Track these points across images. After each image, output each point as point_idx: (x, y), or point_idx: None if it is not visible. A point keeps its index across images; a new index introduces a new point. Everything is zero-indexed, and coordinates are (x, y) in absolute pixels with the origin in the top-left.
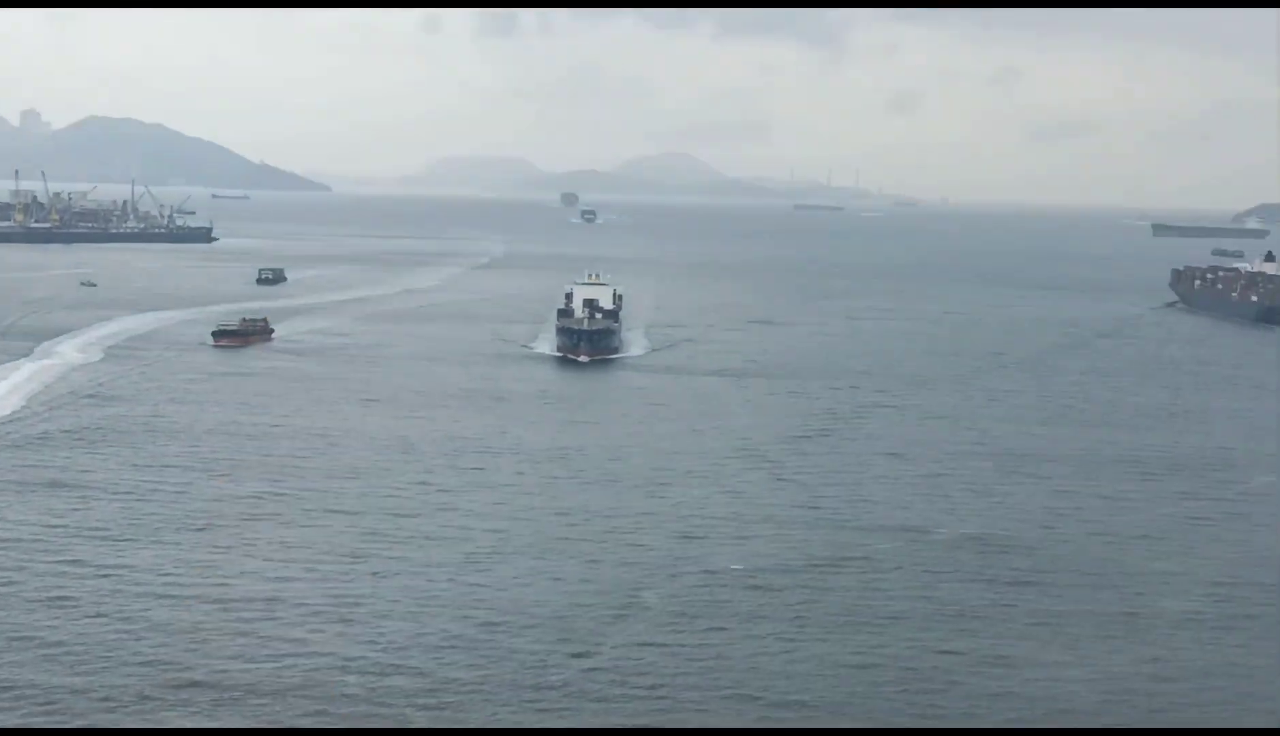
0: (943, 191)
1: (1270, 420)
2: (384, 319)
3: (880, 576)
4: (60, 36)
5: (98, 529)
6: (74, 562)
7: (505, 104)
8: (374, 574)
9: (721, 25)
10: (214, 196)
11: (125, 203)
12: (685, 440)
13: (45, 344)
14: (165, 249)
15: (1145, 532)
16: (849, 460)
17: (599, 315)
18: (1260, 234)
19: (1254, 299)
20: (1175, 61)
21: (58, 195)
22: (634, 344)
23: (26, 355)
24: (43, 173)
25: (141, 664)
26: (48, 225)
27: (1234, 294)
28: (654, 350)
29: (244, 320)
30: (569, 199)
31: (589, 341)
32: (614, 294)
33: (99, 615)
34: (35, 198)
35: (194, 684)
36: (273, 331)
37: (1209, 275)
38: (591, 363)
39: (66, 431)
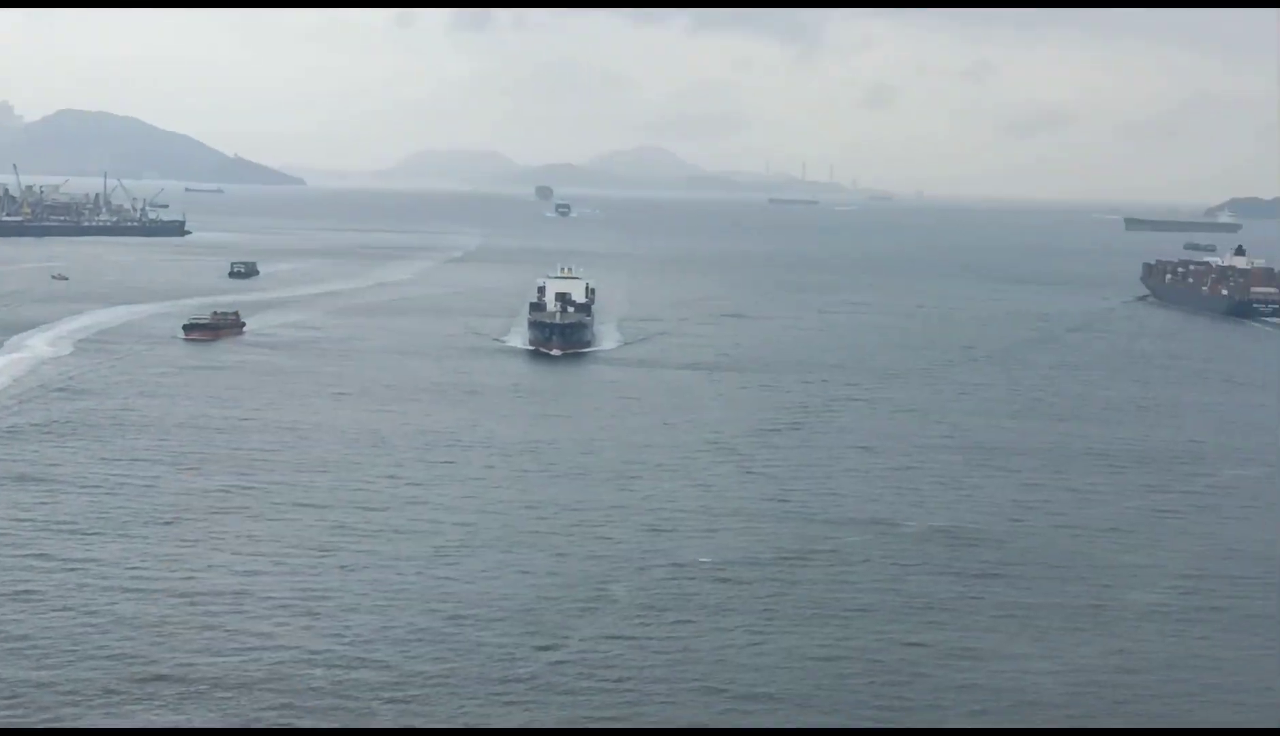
0: (917, 185)
1: (1239, 413)
2: (356, 313)
3: (848, 569)
4: (33, 29)
5: (65, 523)
6: (40, 557)
7: (480, 98)
8: (342, 567)
9: (696, 19)
10: (187, 190)
11: (98, 196)
12: (656, 433)
13: (15, 337)
14: (138, 242)
15: (1113, 525)
16: (819, 453)
17: (571, 309)
18: (1232, 228)
19: (1224, 293)
20: (1149, 56)
21: (29, 188)
22: (606, 337)
23: None
24: (14, 166)
25: (107, 657)
26: (19, 219)
27: (1205, 288)
28: (626, 344)
29: (215, 314)
30: (544, 193)
31: (561, 335)
32: (586, 288)
33: (65, 609)
34: (7, 191)
35: (159, 677)
36: (244, 325)
37: (1180, 269)
38: (564, 356)
39: (35, 425)
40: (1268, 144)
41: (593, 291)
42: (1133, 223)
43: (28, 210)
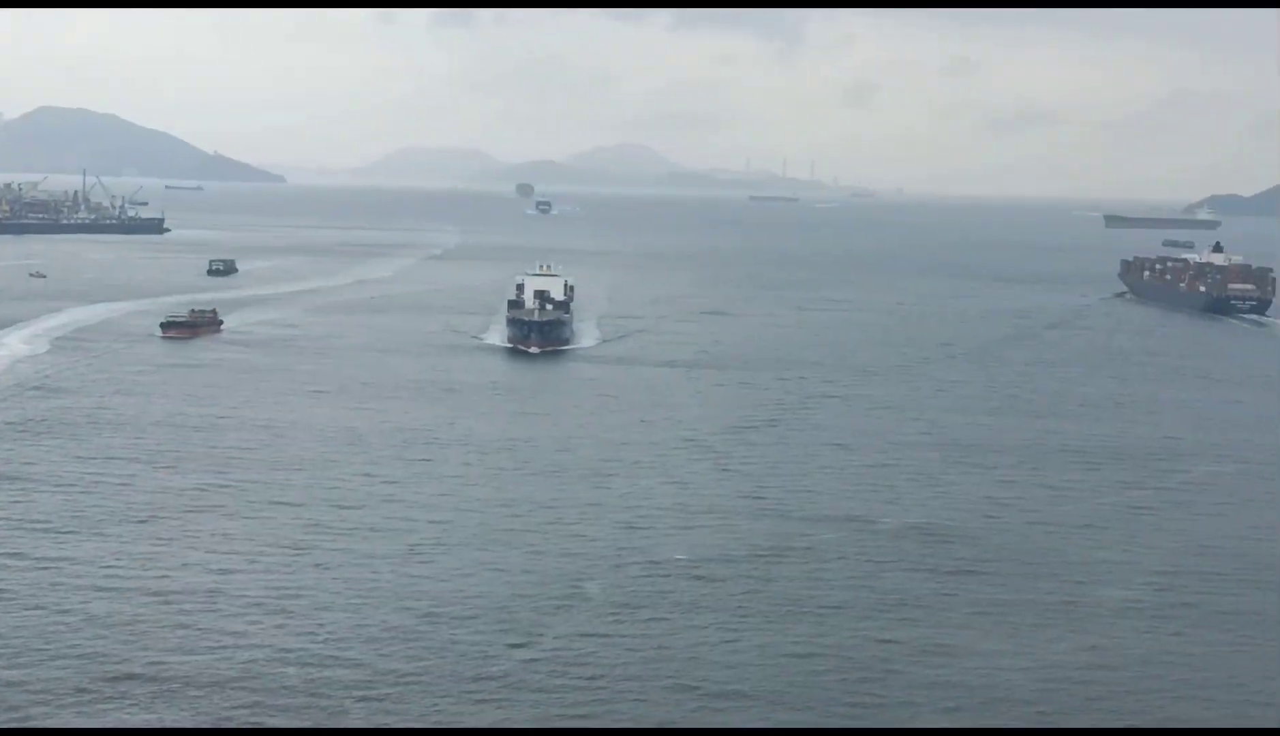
0: (898, 182)
1: (1215, 410)
2: (335, 310)
3: (823, 566)
4: (11, 26)
5: (39, 521)
6: (14, 555)
7: (462, 95)
8: (316, 565)
9: (678, 16)
10: (167, 188)
11: (76, 193)
12: (633, 431)
13: None
14: (116, 240)
15: (1088, 522)
16: (796, 450)
17: (550, 306)
18: (1211, 225)
19: (1202, 289)
20: (1129, 53)
21: (8, 186)
22: (585, 335)
23: None
24: None
25: (78, 656)
26: None
27: (1182, 284)
28: (605, 341)
29: (193, 311)
30: (525, 190)
31: (539, 332)
32: (565, 285)
33: (37, 608)
34: None
35: (131, 676)
36: (222, 323)
37: (1158, 266)
38: (542, 353)
39: (10, 423)
40: (1247, 141)
41: (571, 289)
42: (1113, 219)
43: (5, 208)
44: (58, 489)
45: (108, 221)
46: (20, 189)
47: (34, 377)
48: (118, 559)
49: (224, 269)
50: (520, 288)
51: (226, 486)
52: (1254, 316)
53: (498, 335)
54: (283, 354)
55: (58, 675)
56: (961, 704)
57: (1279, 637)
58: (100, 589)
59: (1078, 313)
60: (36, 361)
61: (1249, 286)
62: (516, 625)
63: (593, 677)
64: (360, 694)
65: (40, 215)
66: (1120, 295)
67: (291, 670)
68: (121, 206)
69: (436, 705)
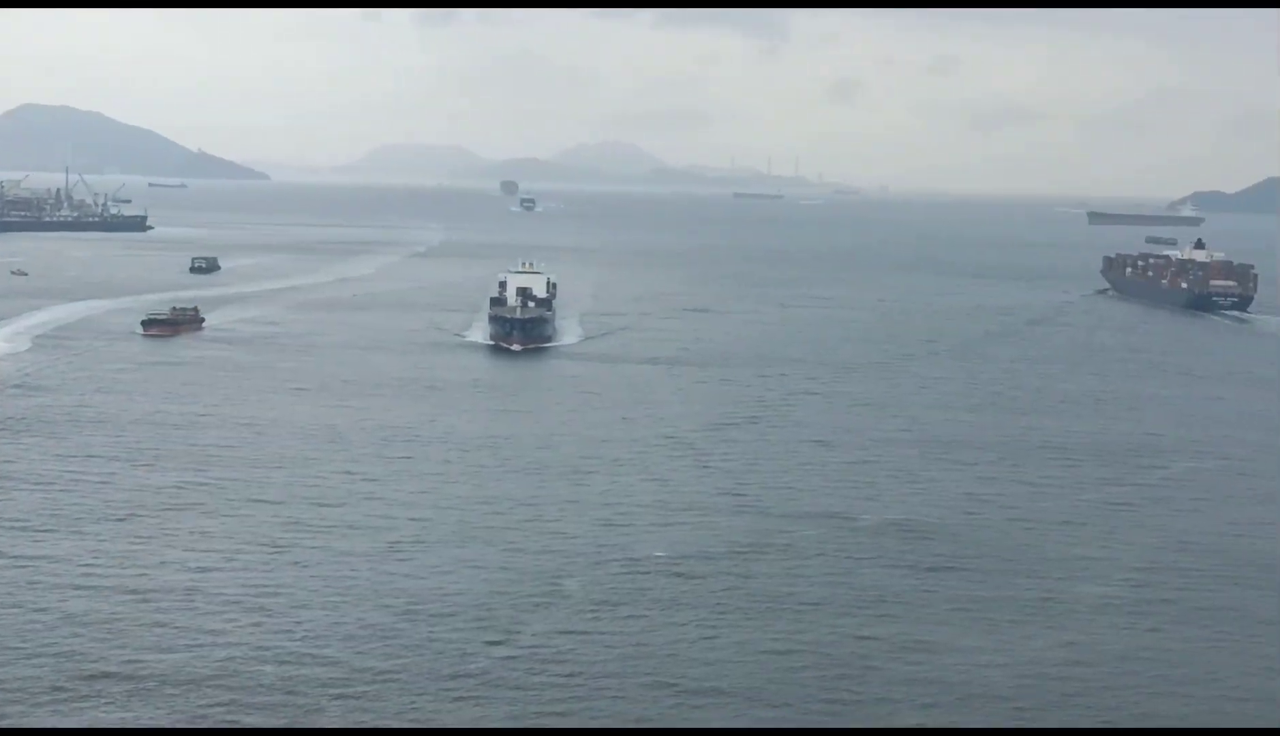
0: (882, 179)
1: (1196, 406)
2: (317, 308)
3: (802, 563)
4: None
5: (17, 519)
6: None
7: (446, 92)
8: (295, 563)
9: (662, 13)
10: (151, 185)
11: (59, 191)
12: (614, 428)
13: None
14: (99, 238)
15: (1067, 518)
16: (776, 448)
17: (532, 303)
18: (1194, 221)
19: (1184, 286)
20: (1112, 50)
21: None
22: (568, 332)
23: None
24: None
25: (54, 655)
26: None
27: (1164, 281)
28: (588, 338)
29: (174, 309)
30: (509, 187)
31: (522, 330)
32: (548, 282)
33: (14, 606)
34: None
35: (107, 674)
36: (203, 320)
37: (1140, 262)
38: (524, 351)
39: None
40: (1231, 138)
41: (554, 286)
42: (1096, 216)
43: None
44: (36, 487)
45: (90, 219)
46: (2, 186)
47: (14, 375)
48: (95, 557)
49: (206, 266)
50: (503, 285)
51: (206, 484)
52: (1235, 313)
53: (480, 333)
54: (264, 352)
55: (34, 674)
56: (939, 700)
57: (1256, 633)
58: (77, 587)
59: (1060, 309)
60: (17, 359)
61: (1231, 283)
62: (495, 623)
63: (571, 675)
64: (337, 691)
65: (22, 213)
66: (1102, 292)
67: (268, 668)
68: (104, 204)
69: (414, 703)
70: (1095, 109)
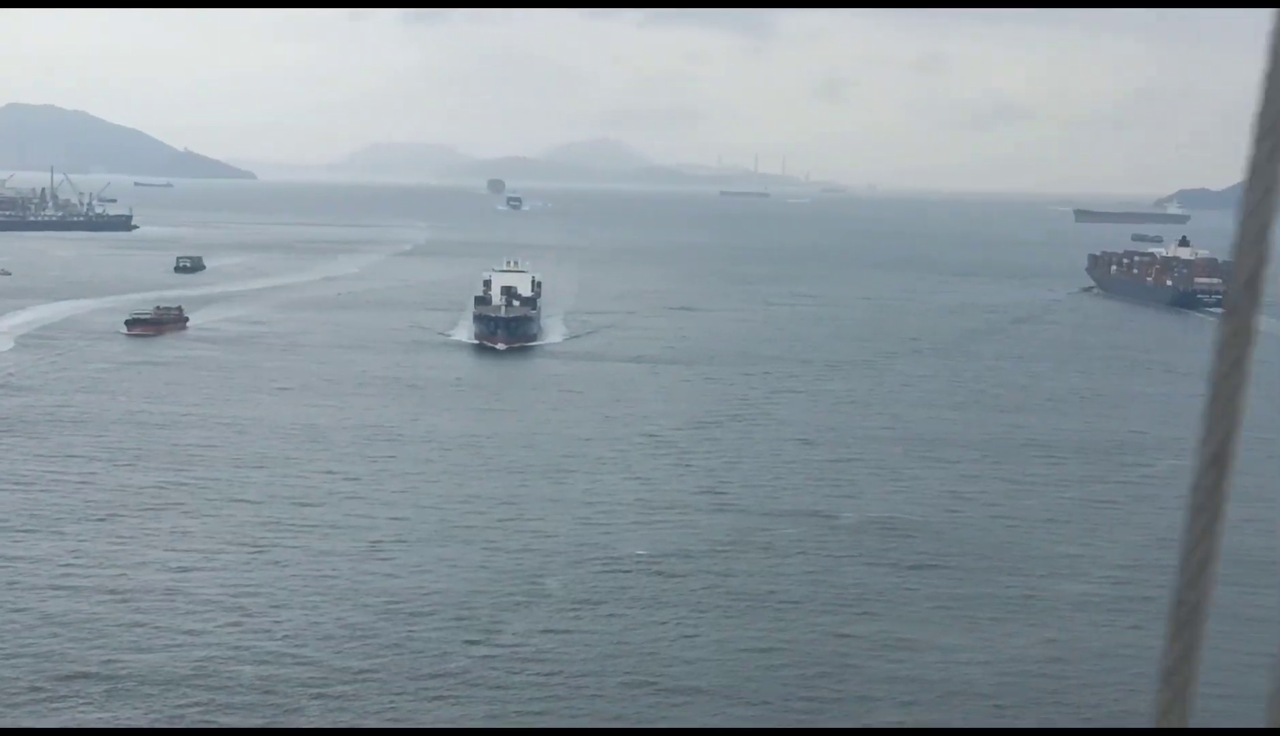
0: (870, 178)
1: (1180, 404)
2: (302, 307)
3: (783, 561)
4: None
5: None
6: None
7: (434, 91)
8: (274, 563)
9: (649, 13)
10: (136, 184)
11: (44, 191)
12: (597, 427)
13: None
14: (83, 237)
15: (1050, 516)
16: (758, 446)
17: (517, 302)
18: (1181, 219)
19: (1169, 283)
20: (1098, 49)
21: None
22: (552, 331)
23: None
24: None
25: (32, 655)
26: None
27: (1149, 278)
28: (572, 337)
29: (158, 309)
30: (496, 186)
31: (506, 328)
32: (532, 281)
33: None
34: None
35: (85, 675)
36: (187, 320)
37: (1125, 260)
38: (509, 350)
39: None
40: (1217, 136)
41: (539, 285)
42: (1082, 214)
43: None
44: (16, 487)
45: (75, 219)
46: None
47: None
48: (75, 557)
49: (191, 266)
50: (487, 284)
51: (186, 484)
52: (1220, 310)
53: (464, 331)
54: (248, 351)
55: (10, 674)
56: (919, 698)
57: (1237, 631)
58: (56, 587)
59: (1045, 307)
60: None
61: (1215, 280)
62: (475, 622)
63: (550, 674)
64: (315, 691)
65: (7, 213)
66: (1088, 290)
67: (247, 668)
68: (89, 203)
69: (392, 702)
70: (1083, 107)
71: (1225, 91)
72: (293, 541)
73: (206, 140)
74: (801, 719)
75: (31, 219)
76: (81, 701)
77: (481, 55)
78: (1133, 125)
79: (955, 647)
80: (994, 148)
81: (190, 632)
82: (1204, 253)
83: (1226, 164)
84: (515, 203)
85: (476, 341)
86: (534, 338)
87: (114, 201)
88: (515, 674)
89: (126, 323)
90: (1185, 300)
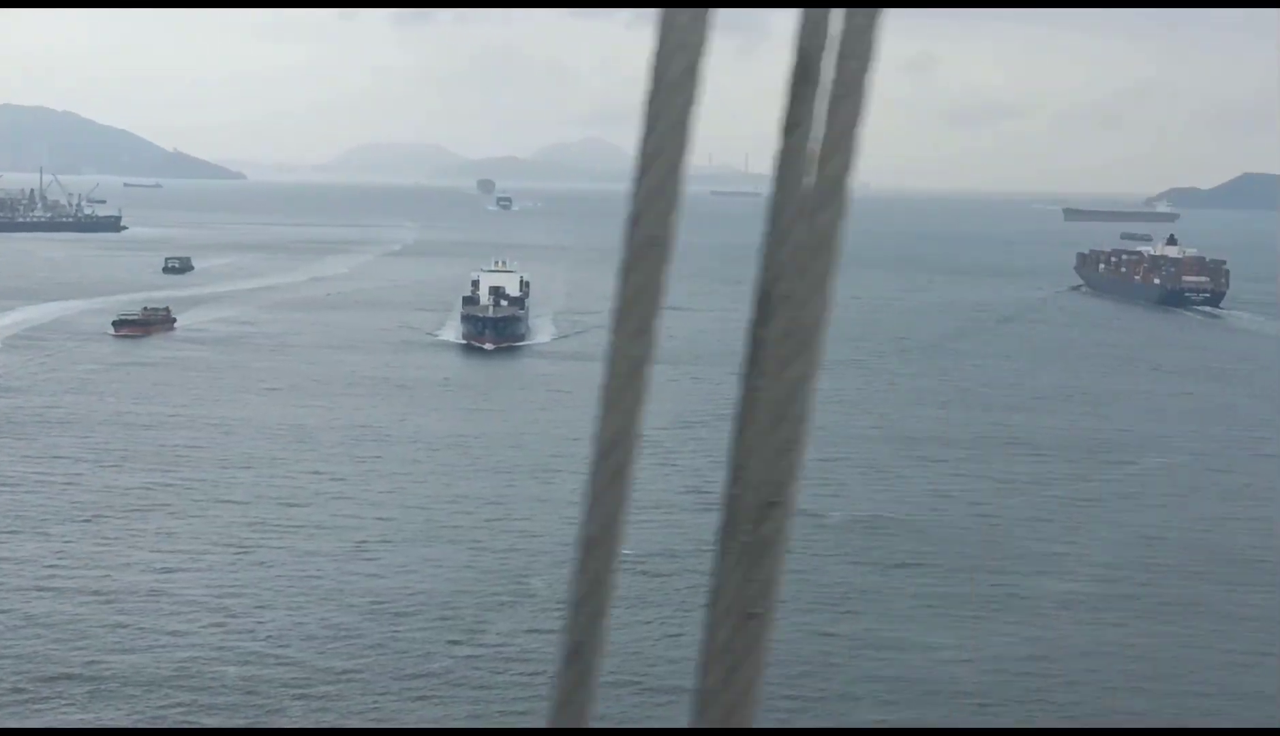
0: (862, 177)
1: (1166, 402)
2: (290, 307)
3: None
4: None
5: None
6: None
7: (424, 91)
8: (260, 564)
9: (637, 13)
10: (126, 185)
11: (33, 192)
12: (584, 426)
13: None
14: (72, 238)
15: (1034, 515)
16: None
17: (505, 302)
18: (1170, 217)
19: (1156, 282)
20: (1087, 47)
21: None
22: (541, 331)
23: None
24: None
25: (15, 656)
26: None
27: (1137, 277)
28: (561, 337)
29: (145, 309)
30: (486, 186)
31: (494, 328)
32: (520, 281)
33: None
34: None
35: (68, 676)
36: (175, 321)
37: (1113, 258)
38: (496, 350)
39: None
40: (1206, 135)
41: (527, 285)
42: (1071, 213)
43: None
44: (2, 488)
45: (64, 220)
46: None
47: None
48: (60, 558)
49: (180, 266)
50: (475, 284)
51: (173, 485)
52: (1208, 308)
53: (452, 332)
54: (236, 352)
55: None
56: (902, 696)
57: (1221, 629)
58: (41, 589)
59: (1033, 306)
60: None
61: (1203, 279)
62: (459, 622)
63: (534, 673)
64: (298, 691)
65: None
66: (1076, 288)
67: (230, 669)
68: (78, 204)
69: (375, 703)
70: (1071, 106)
71: (1215, 90)
72: (278, 542)
73: (196, 141)
74: (784, 718)
75: (20, 220)
76: (64, 702)
77: (472, 55)
78: (1123, 123)
79: (938, 646)
80: (984, 146)
81: (174, 633)
82: (1192, 251)
83: (1216, 162)
84: (505, 203)
85: (464, 341)
86: (522, 337)
87: (103, 202)
88: (499, 673)
89: (114, 323)
90: (1173, 298)
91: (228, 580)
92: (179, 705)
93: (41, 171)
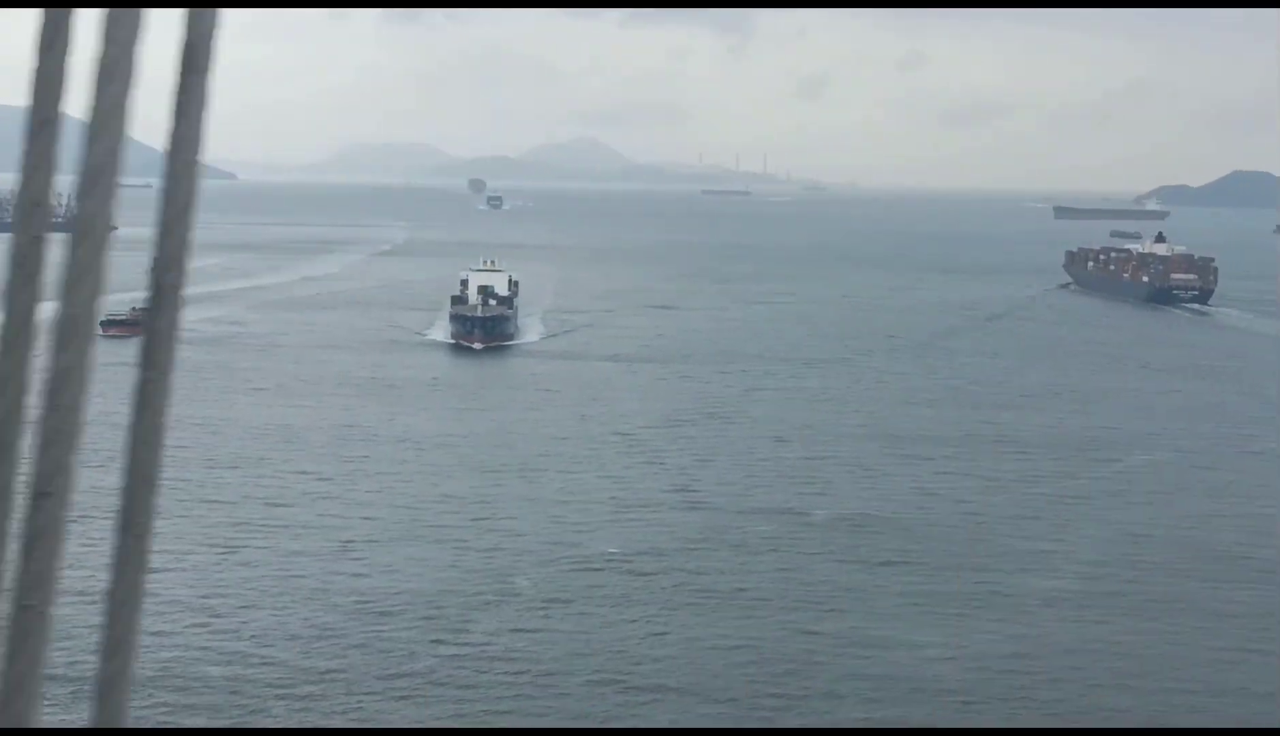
0: (852, 176)
1: (1153, 399)
2: (279, 307)
3: (754, 559)
4: None
5: None
6: None
7: (414, 90)
8: (245, 564)
9: (630, 12)
10: None
11: None
12: (572, 426)
13: None
14: (58, 239)
15: (1020, 512)
16: (732, 443)
17: (493, 301)
18: (1160, 215)
19: (1145, 279)
20: (1079, 46)
21: None
22: (530, 330)
23: None
24: None
25: None
26: None
27: (1125, 275)
28: (550, 336)
29: (133, 310)
30: (477, 185)
31: (483, 328)
32: (509, 280)
33: None
34: None
35: (49, 677)
36: None
37: (1102, 256)
38: (485, 349)
39: None
40: (1197, 133)
41: (516, 284)
42: (1062, 211)
43: None
44: None
45: (53, 220)
46: None
47: None
48: None
49: None
50: (464, 283)
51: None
52: (1196, 306)
53: (441, 331)
54: (223, 351)
55: None
56: (887, 694)
57: (1206, 626)
58: None
59: (1022, 304)
60: None
61: (1191, 276)
62: (443, 621)
63: (518, 672)
64: (280, 691)
65: None
66: (1065, 286)
67: (213, 669)
68: (67, 204)
69: (359, 702)
70: (1062, 104)
71: (1214, 90)
72: (264, 542)
73: None
74: (769, 716)
75: (7, 220)
76: (46, 703)
77: (463, 55)
78: (1114, 121)
79: (923, 644)
80: (974, 145)
81: (157, 634)
82: (1180, 248)
83: (1206, 161)
84: (496, 202)
85: (453, 341)
86: (510, 337)
87: None
88: (483, 673)
89: (101, 323)
90: (1161, 296)
91: (212, 580)
92: (163, 705)
93: None
